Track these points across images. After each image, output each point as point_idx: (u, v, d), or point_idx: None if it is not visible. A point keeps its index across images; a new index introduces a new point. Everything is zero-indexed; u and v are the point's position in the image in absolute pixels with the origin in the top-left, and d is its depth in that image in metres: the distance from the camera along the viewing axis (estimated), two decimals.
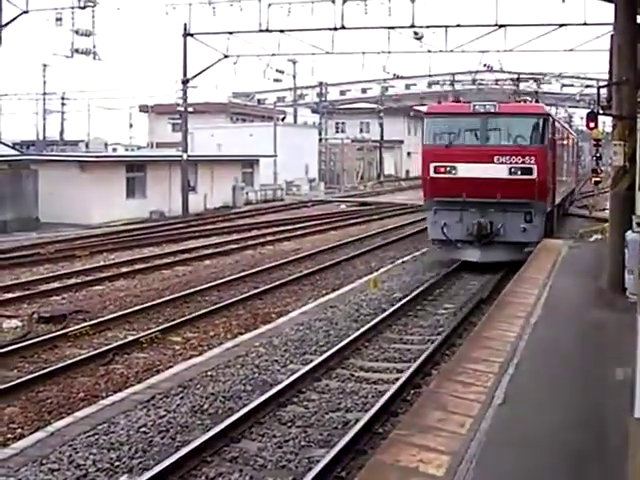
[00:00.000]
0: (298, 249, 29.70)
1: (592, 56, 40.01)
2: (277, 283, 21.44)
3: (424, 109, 33.43)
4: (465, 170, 22.96)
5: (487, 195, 22.72)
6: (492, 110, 23.24)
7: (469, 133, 23.61)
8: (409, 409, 10.57)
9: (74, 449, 9.27)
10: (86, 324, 16.34)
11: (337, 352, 13.49)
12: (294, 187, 64.81)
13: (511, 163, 22.74)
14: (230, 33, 41.11)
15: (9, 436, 10.32)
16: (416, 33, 38.17)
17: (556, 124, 27.37)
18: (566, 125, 36.18)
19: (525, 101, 30.71)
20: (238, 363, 13.20)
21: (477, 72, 56.57)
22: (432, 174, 23.44)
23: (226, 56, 42.14)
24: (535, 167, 22.79)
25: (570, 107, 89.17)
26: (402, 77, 69.12)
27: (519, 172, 22.72)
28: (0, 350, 14.32)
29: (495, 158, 22.77)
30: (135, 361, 14.12)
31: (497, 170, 22.74)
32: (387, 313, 16.58)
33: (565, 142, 32.65)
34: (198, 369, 12.87)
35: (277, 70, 58.02)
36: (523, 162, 22.73)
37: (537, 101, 33.18)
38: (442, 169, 23.21)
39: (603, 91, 21.36)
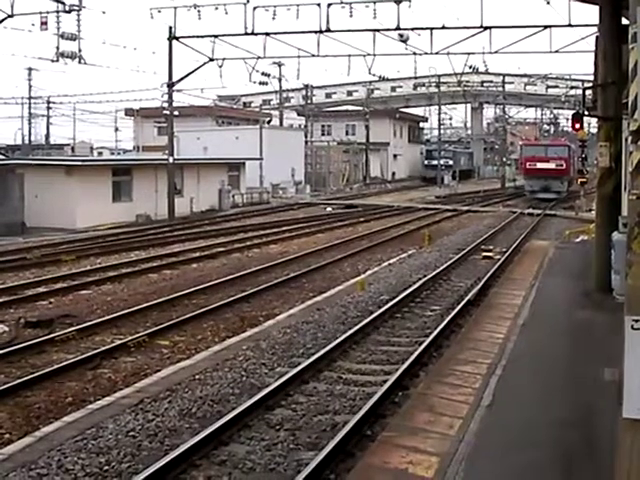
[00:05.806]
0: (285, 252, 29.71)
1: (577, 57, 40.52)
2: (264, 286, 21.40)
3: (520, 142, 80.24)
4: (539, 165, 58.93)
5: (547, 174, 58.35)
6: (549, 143, 67.61)
7: (540, 151, 61.13)
8: (398, 411, 10.60)
9: (63, 454, 9.23)
10: (73, 328, 16.25)
11: (325, 355, 13.49)
12: (280, 190, 64.76)
13: (556, 162, 58.96)
14: (215, 36, 41.02)
15: None
16: (401, 35, 38.21)
17: (571, 146, 61.34)
18: (571, 144, 63.48)
19: (561, 138, 79.36)
20: (226, 366, 13.18)
21: (463, 74, 56.98)
22: (527, 166, 60.35)
23: (211, 59, 42.01)
24: (564, 164, 59.27)
25: (556, 108, 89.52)
26: (388, 79, 69.20)
27: (559, 166, 58.96)
28: None
29: (550, 160, 59.13)
30: (123, 365, 14.07)
31: (550, 165, 58.77)
32: (374, 315, 16.59)
33: (572, 153, 61.32)
34: (186, 373, 12.84)
35: (263, 73, 58.00)
36: (560, 162, 59.25)
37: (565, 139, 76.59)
38: (531, 164, 59.70)
39: (588, 92, 21.51)
